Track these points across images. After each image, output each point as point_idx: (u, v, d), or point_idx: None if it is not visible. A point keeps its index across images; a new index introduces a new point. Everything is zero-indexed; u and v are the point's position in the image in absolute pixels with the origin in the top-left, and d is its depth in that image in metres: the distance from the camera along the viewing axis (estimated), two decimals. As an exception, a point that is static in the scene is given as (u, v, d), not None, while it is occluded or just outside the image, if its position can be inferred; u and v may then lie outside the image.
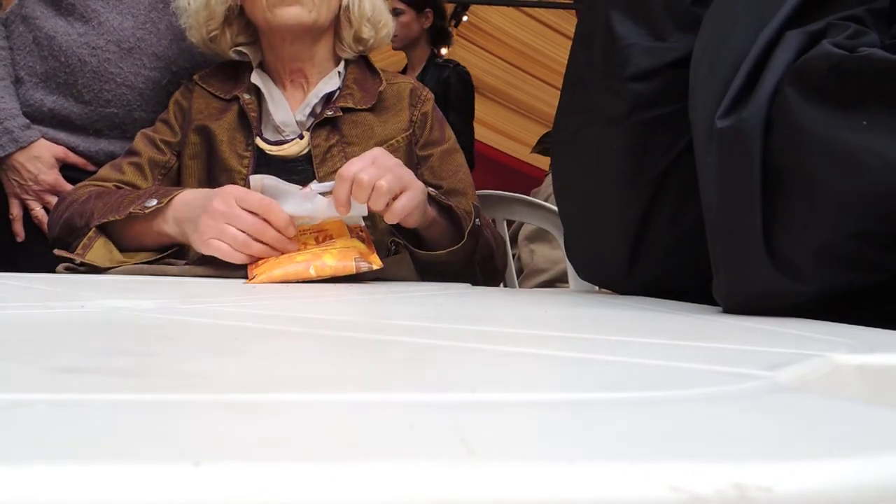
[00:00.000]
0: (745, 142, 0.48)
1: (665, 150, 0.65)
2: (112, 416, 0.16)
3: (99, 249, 0.92)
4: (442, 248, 0.97)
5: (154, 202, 0.92)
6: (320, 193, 0.87)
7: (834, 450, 0.15)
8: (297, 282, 0.82)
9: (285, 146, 1.07)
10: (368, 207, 0.86)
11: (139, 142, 1.10)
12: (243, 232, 0.85)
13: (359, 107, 1.10)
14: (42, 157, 1.17)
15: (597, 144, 0.70)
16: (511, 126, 6.85)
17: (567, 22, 5.01)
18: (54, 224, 1.03)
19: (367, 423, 0.16)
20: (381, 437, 0.15)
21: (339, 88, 1.11)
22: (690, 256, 0.62)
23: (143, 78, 1.20)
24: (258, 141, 1.07)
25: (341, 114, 1.08)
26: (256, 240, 0.85)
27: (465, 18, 5.50)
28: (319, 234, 0.90)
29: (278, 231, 0.86)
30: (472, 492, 0.12)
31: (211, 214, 0.86)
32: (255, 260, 0.86)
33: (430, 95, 1.17)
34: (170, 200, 0.91)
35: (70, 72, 1.16)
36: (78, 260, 0.90)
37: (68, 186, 1.18)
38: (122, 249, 0.95)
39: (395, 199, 0.85)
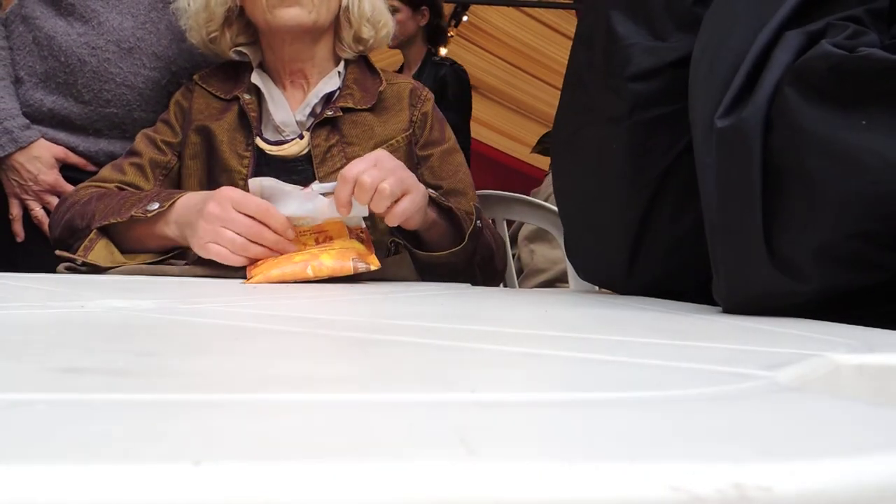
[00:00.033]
0: (745, 142, 0.48)
1: (665, 149, 0.65)
2: (112, 416, 0.16)
3: (100, 251, 0.92)
4: (442, 249, 0.97)
5: (156, 206, 0.92)
6: (321, 194, 0.87)
7: (834, 450, 0.15)
8: (295, 282, 0.82)
9: (285, 146, 1.07)
10: (369, 209, 0.86)
11: (140, 142, 1.10)
12: (241, 235, 0.85)
13: (359, 107, 1.10)
14: (42, 158, 1.17)
15: (597, 144, 0.70)
16: (511, 126, 6.85)
17: (567, 22, 5.01)
18: (56, 225, 1.03)
19: (367, 423, 0.16)
20: (381, 437, 0.15)
21: (339, 88, 1.11)
22: (690, 256, 0.62)
23: (142, 78, 1.20)
24: (258, 141, 1.07)
25: (341, 114, 1.08)
26: (254, 242, 0.85)
27: (465, 18, 5.51)
28: (319, 235, 0.90)
29: (277, 233, 0.86)
30: (472, 492, 0.12)
31: (206, 218, 0.86)
32: (254, 261, 0.86)
33: (430, 95, 1.17)
34: (171, 204, 0.91)
35: (70, 72, 1.16)
36: (79, 260, 0.90)
37: (68, 187, 1.18)
38: (123, 251, 0.95)
39: (396, 202, 0.85)
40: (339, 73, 1.13)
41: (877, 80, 0.44)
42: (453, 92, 2.58)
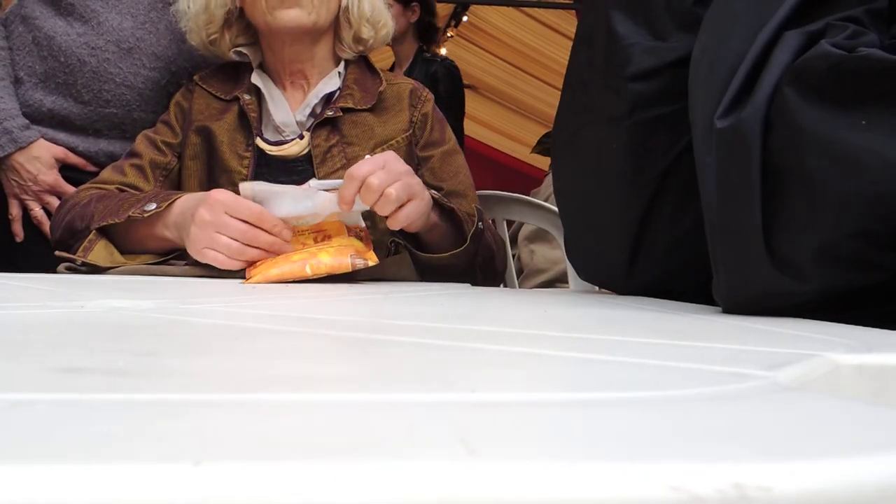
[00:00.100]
0: (745, 142, 0.48)
1: (665, 149, 0.65)
2: (112, 416, 0.16)
3: (100, 251, 0.92)
4: (443, 251, 0.97)
5: (153, 206, 0.92)
6: (321, 190, 0.87)
7: (833, 449, 0.15)
8: (294, 281, 0.82)
9: (285, 146, 1.07)
10: (373, 210, 0.86)
11: (140, 143, 1.11)
12: (236, 240, 0.85)
13: (359, 107, 1.10)
14: (41, 158, 1.17)
15: (597, 144, 0.70)
16: (511, 126, 6.85)
17: (567, 22, 5.01)
18: (56, 227, 1.03)
19: (367, 423, 0.16)
20: (381, 437, 0.15)
21: (339, 89, 1.12)
22: (690, 256, 0.62)
23: (142, 78, 1.20)
24: (258, 141, 1.07)
25: (341, 114, 1.08)
26: (250, 246, 0.85)
27: (465, 18, 5.51)
28: (318, 235, 0.90)
29: (272, 235, 0.86)
30: (472, 492, 0.12)
31: (198, 224, 0.85)
32: (252, 263, 0.86)
33: (430, 96, 1.17)
34: (169, 205, 0.91)
35: (69, 72, 1.16)
36: (79, 260, 0.90)
37: (68, 187, 1.18)
38: (124, 253, 0.95)
39: (401, 206, 0.86)
40: (339, 73, 1.13)
41: (876, 80, 0.44)
42: (445, 89, 2.54)
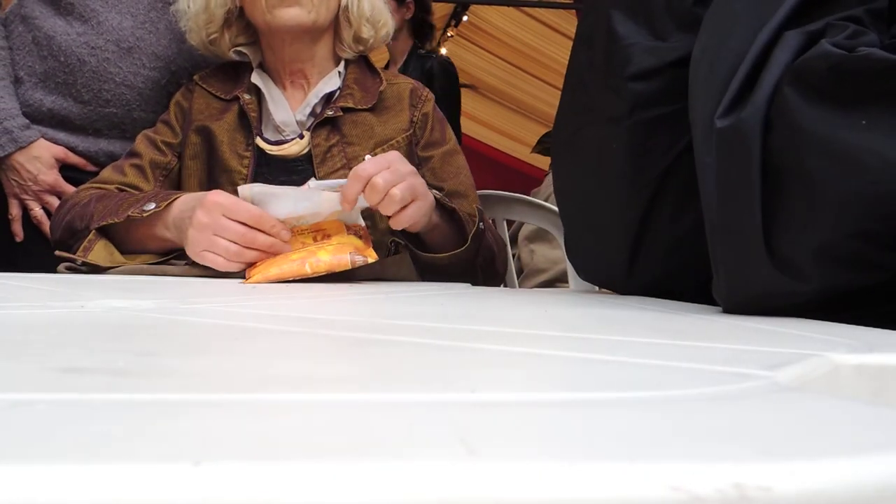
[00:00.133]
0: (745, 142, 0.48)
1: (665, 149, 0.65)
2: (112, 416, 0.16)
3: (99, 251, 0.92)
4: (443, 251, 0.97)
5: (152, 206, 0.92)
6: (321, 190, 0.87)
7: (833, 449, 0.15)
8: (294, 280, 0.82)
9: (285, 146, 1.07)
10: (376, 209, 0.86)
11: (140, 143, 1.11)
12: (234, 243, 0.85)
13: (359, 107, 1.10)
14: (41, 158, 1.17)
15: (597, 144, 0.70)
16: (511, 126, 6.85)
17: (567, 22, 5.02)
18: (56, 227, 1.03)
19: (367, 423, 0.16)
20: (381, 437, 0.15)
21: (339, 88, 1.12)
22: (690, 256, 0.62)
23: (142, 77, 1.20)
24: (258, 141, 1.07)
25: (341, 114, 1.08)
26: (249, 248, 0.85)
27: (465, 18, 5.51)
28: (318, 234, 0.90)
29: (270, 236, 0.86)
30: (472, 492, 0.12)
31: (196, 227, 0.85)
32: (251, 263, 0.86)
33: (431, 96, 1.17)
34: (169, 205, 0.91)
35: (69, 71, 1.16)
36: (79, 260, 0.90)
37: (68, 187, 1.18)
38: (124, 253, 0.95)
39: (404, 207, 0.86)
40: (339, 73, 1.13)
41: (877, 80, 0.44)
42: (440, 85, 2.50)
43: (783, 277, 0.48)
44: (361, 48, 1.15)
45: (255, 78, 1.11)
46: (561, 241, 1.25)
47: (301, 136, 1.07)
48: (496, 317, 0.50)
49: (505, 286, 1.42)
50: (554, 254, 1.88)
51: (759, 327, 0.43)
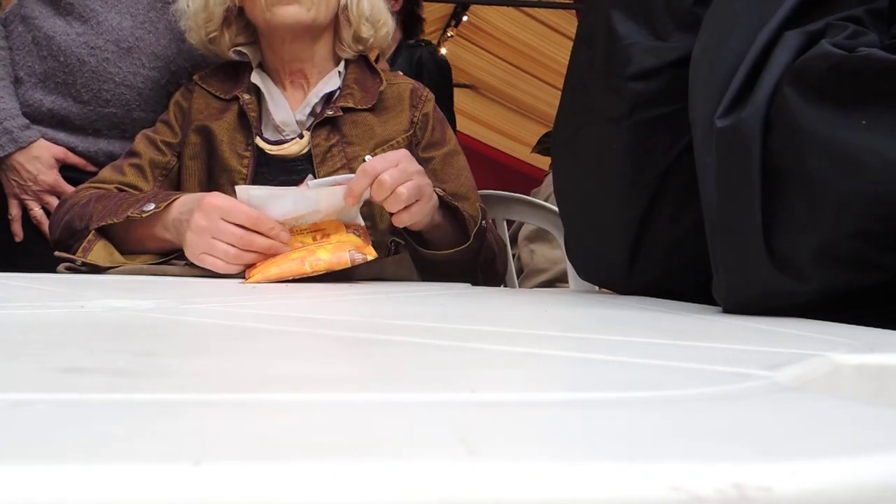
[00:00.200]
0: (745, 142, 0.48)
1: (665, 149, 0.65)
2: (112, 416, 0.16)
3: (99, 251, 0.92)
4: (444, 249, 0.97)
5: (152, 206, 0.92)
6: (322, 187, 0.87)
7: (833, 449, 0.15)
8: (294, 279, 0.82)
9: (285, 146, 1.07)
10: (379, 204, 0.86)
11: (140, 143, 1.10)
12: (233, 246, 0.85)
13: (359, 107, 1.10)
14: (41, 158, 1.17)
15: (597, 144, 0.70)
16: (511, 126, 6.85)
17: (567, 22, 5.01)
18: (55, 227, 1.03)
19: (367, 423, 0.16)
20: (381, 437, 0.15)
21: (339, 88, 1.11)
22: (690, 256, 0.62)
23: (141, 77, 1.20)
24: (258, 141, 1.07)
25: (341, 113, 1.08)
26: (248, 251, 0.85)
27: (465, 18, 5.51)
28: (317, 233, 0.90)
29: (269, 238, 0.86)
30: (472, 492, 0.12)
31: (194, 230, 0.86)
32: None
33: (431, 96, 1.17)
34: (168, 205, 0.91)
35: (69, 71, 1.16)
36: (79, 261, 0.90)
37: (68, 187, 1.18)
38: (124, 253, 0.95)
39: (407, 206, 0.86)
40: (339, 72, 1.13)
41: (877, 80, 0.44)
42: (430, 76, 2.41)
43: (783, 277, 0.48)
44: (361, 48, 1.15)
45: (255, 78, 1.11)
46: (561, 241, 1.25)
47: (301, 136, 1.07)
48: (496, 317, 0.50)
49: (505, 286, 1.42)
50: (554, 254, 1.88)
51: (759, 327, 0.43)
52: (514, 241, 1.99)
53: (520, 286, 1.83)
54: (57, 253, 0.93)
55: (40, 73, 1.17)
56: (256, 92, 1.11)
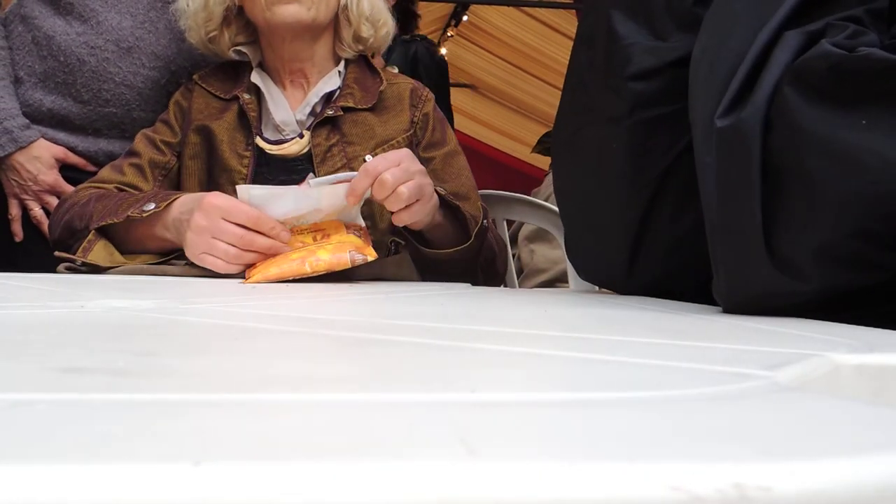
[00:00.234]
0: (745, 141, 0.48)
1: (665, 149, 0.65)
2: (112, 416, 0.16)
3: (99, 251, 0.92)
4: (445, 249, 0.97)
5: (152, 206, 0.92)
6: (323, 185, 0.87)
7: (833, 449, 0.15)
8: (294, 279, 0.82)
9: (285, 145, 1.07)
10: (379, 203, 0.86)
11: (139, 143, 1.10)
12: (233, 245, 0.85)
13: (359, 106, 1.10)
14: (41, 158, 1.17)
15: (597, 144, 0.70)
16: (511, 126, 6.85)
17: (567, 22, 5.01)
18: (55, 226, 1.03)
19: (367, 423, 0.16)
20: (381, 437, 0.15)
21: (339, 88, 1.11)
22: (690, 256, 0.62)
23: (141, 77, 1.20)
24: (258, 140, 1.07)
25: (342, 113, 1.08)
26: (248, 250, 0.85)
27: (465, 18, 5.51)
28: (317, 234, 0.90)
29: (269, 238, 0.86)
30: (472, 492, 0.12)
31: (195, 230, 0.86)
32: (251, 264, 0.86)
33: (431, 96, 1.17)
34: (168, 205, 0.91)
35: (69, 71, 1.16)
36: (79, 261, 0.90)
37: (68, 187, 1.18)
38: (124, 253, 0.95)
39: (408, 206, 0.86)
40: (339, 72, 1.13)
41: (877, 80, 0.44)
42: (429, 73, 2.37)
43: (783, 277, 0.48)
44: (361, 48, 1.15)
45: (255, 77, 1.10)
46: (561, 241, 1.25)
47: (301, 136, 1.07)
48: (496, 317, 0.50)
49: (505, 286, 1.42)
50: (554, 254, 1.88)
51: (759, 327, 0.43)
52: (514, 241, 1.99)
53: (520, 286, 1.83)
54: (57, 253, 0.93)
55: (40, 73, 1.17)
56: (256, 91, 1.11)
